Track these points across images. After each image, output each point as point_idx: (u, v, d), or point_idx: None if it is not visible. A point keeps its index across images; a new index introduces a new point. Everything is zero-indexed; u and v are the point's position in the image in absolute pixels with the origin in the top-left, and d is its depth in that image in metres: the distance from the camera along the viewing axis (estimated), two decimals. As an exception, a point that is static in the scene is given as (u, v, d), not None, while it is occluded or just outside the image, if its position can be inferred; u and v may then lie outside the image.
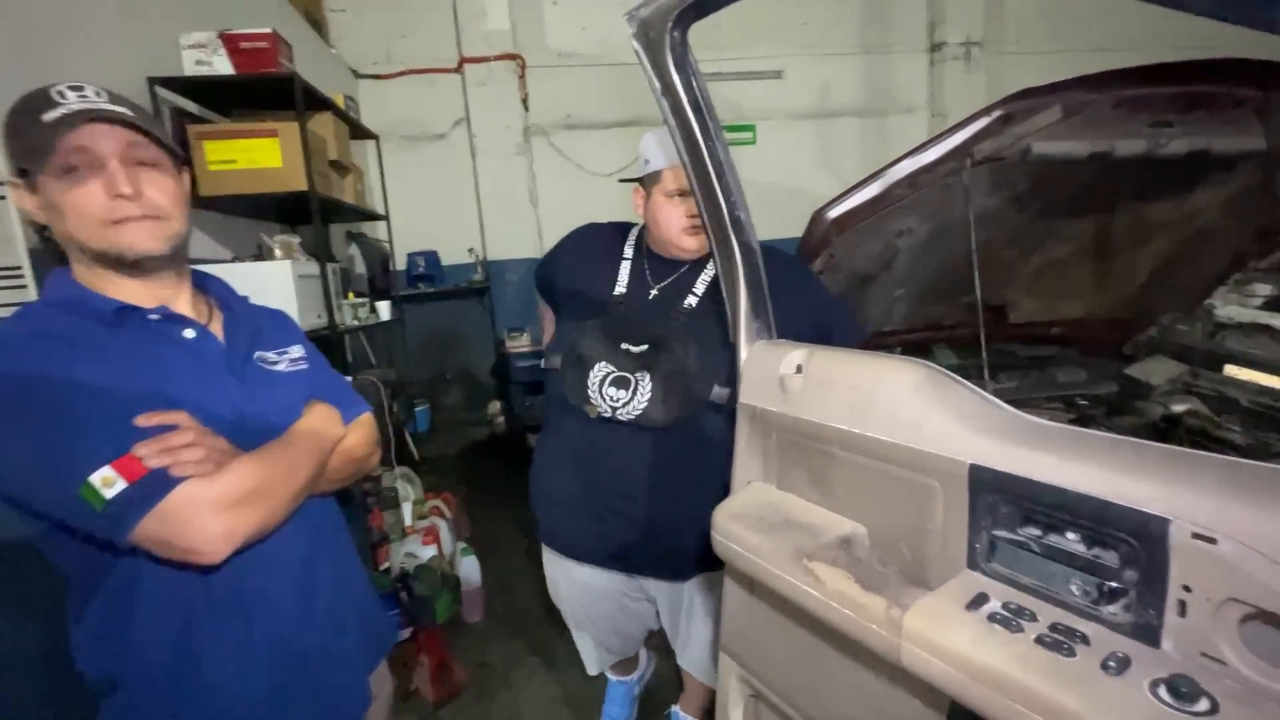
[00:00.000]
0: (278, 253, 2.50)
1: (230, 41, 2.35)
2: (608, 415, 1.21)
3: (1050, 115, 1.41)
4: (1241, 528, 0.47)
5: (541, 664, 2.17)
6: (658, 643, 1.65)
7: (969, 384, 0.72)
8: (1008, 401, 0.70)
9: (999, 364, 2.14)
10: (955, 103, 5.05)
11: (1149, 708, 0.48)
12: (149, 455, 0.68)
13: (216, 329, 0.87)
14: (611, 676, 1.74)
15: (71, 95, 0.73)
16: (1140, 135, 1.49)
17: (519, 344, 4.44)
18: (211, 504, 0.70)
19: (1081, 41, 5.01)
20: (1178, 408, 1.80)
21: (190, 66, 2.33)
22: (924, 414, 0.71)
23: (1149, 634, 0.53)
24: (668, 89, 0.92)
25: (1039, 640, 0.56)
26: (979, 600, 0.62)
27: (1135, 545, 0.53)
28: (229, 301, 0.93)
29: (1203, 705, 0.47)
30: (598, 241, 1.38)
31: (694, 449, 1.18)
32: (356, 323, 3.03)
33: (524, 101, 4.79)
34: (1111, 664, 0.51)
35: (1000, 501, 0.64)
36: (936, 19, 5.11)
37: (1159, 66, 1.46)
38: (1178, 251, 2.05)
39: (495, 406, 4.89)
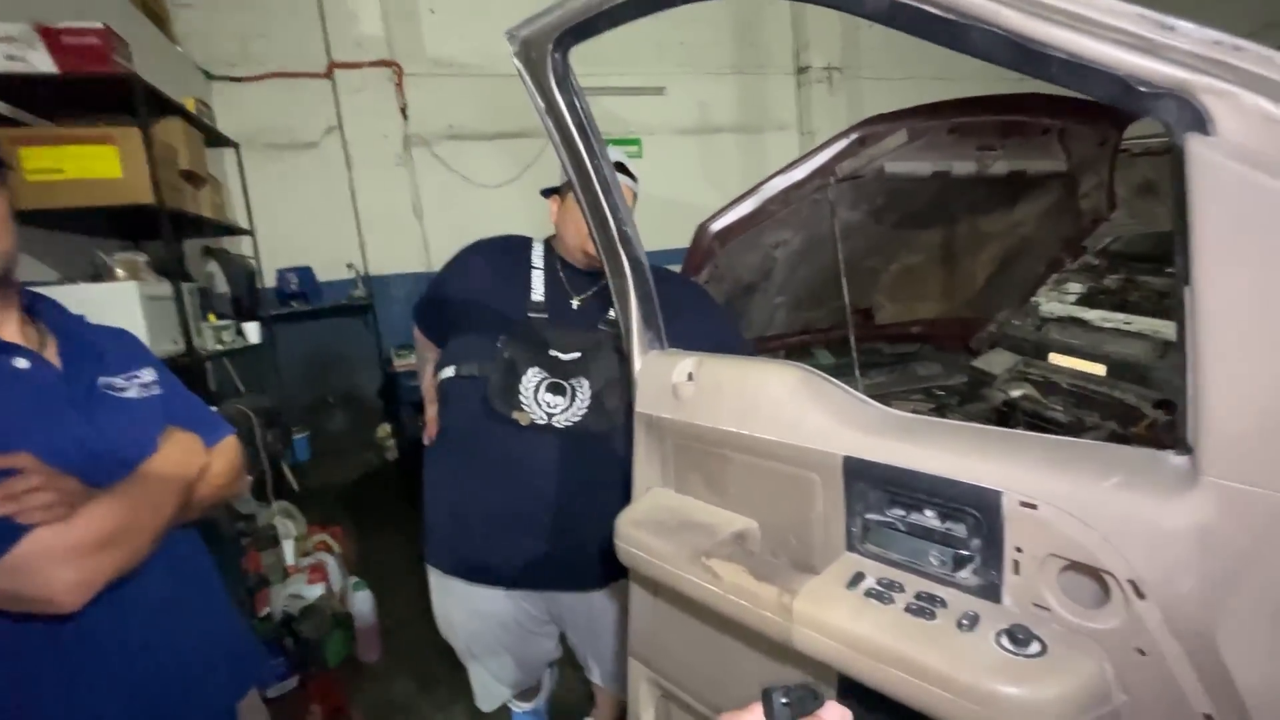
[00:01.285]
0: (120, 273, 2.23)
1: (50, 36, 2.07)
2: (542, 422, 1.17)
3: (898, 138, 1.59)
4: (1056, 494, 0.56)
5: (448, 698, 2.08)
6: (564, 657, 1.63)
7: (839, 383, 0.80)
8: (876, 396, 0.78)
9: (868, 362, 2.35)
10: (822, 122, 5.47)
11: (993, 655, 0.55)
12: None
13: (52, 356, 0.78)
14: (515, 708, 1.64)
15: None
16: (971, 157, 1.71)
17: (409, 362, 4.24)
18: (66, 551, 0.63)
19: (924, 70, 5.61)
20: (1014, 393, 2.06)
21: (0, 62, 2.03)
22: (802, 412, 0.77)
23: (992, 592, 0.61)
24: (551, 108, 0.94)
25: (906, 609, 0.62)
26: (857, 579, 0.68)
27: (977, 516, 0.61)
28: (62, 324, 0.83)
29: (1035, 648, 0.55)
30: (496, 254, 1.34)
31: (623, 457, 1.14)
32: (220, 347, 2.77)
33: (403, 110, 4.60)
34: (964, 622, 0.59)
35: (870, 488, 0.71)
36: (801, 45, 5.52)
37: (982, 99, 1.68)
38: (1008, 257, 2.36)
39: (385, 429, 4.63)
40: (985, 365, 2.25)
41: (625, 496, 1.05)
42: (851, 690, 0.72)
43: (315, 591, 2.38)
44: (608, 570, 1.21)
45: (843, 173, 1.60)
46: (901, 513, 0.70)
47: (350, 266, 4.59)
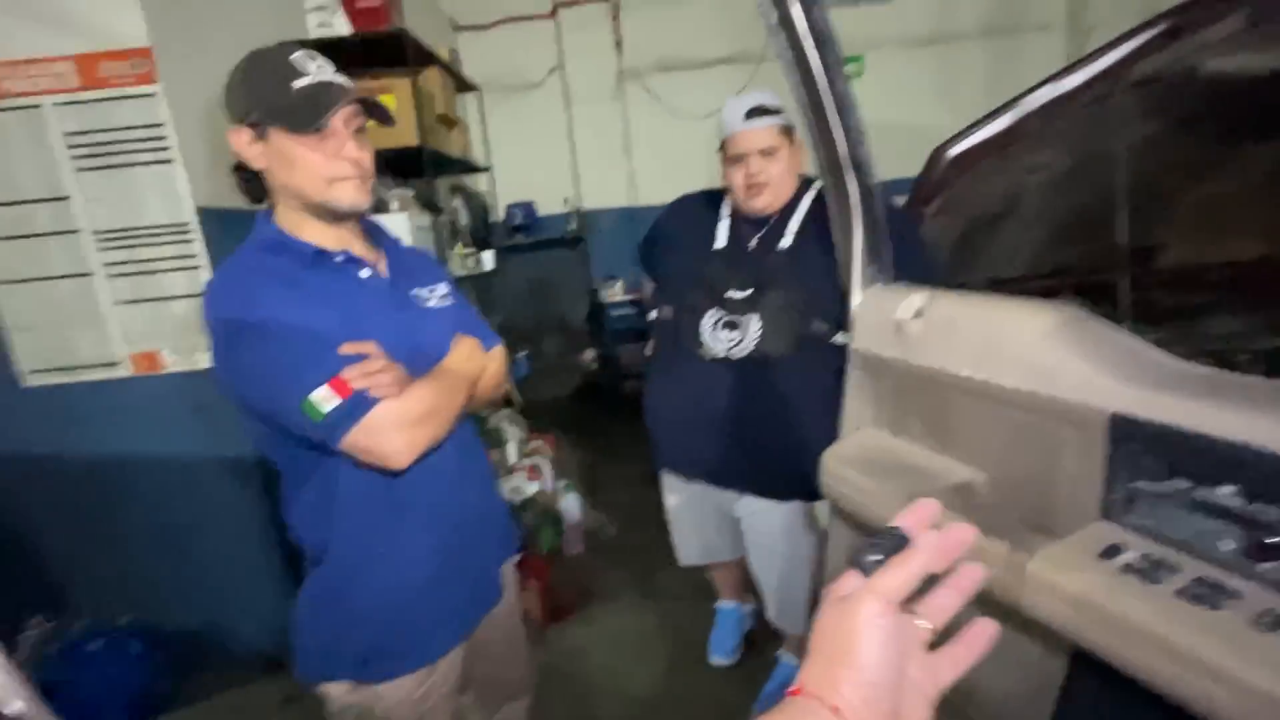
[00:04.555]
0: (395, 205, 2.66)
1: (348, 3, 2.46)
2: (721, 355, 1.37)
3: (1231, 24, 1.21)
4: None
5: (640, 595, 2.30)
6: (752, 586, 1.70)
7: (1115, 326, 0.68)
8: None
9: (1139, 313, 1.94)
10: (1102, 17, 4.42)
11: (1309, 666, 0.45)
12: (354, 378, 0.80)
13: (382, 269, 0.98)
14: (723, 604, 1.89)
15: (311, 65, 0.85)
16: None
17: (613, 293, 4.52)
18: (399, 421, 0.81)
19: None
20: (1362, 365, 1.57)
21: (314, 29, 2.47)
22: (1061, 360, 0.67)
23: (1314, 594, 0.50)
24: (784, 20, 0.89)
25: (1181, 593, 0.54)
26: (1113, 550, 0.60)
27: (1307, 501, 0.49)
28: (387, 244, 1.04)
29: (1376, 669, 0.44)
30: (693, 209, 1.54)
31: (796, 380, 1.32)
32: (464, 272, 3.19)
33: (618, 45, 4.70)
34: (1266, 620, 0.49)
35: (1144, 452, 0.60)
36: (1084, -83, 4.45)
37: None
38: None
39: (590, 354, 5.03)
40: (1319, 326, 1.73)
41: (798, 416, 1.27)
42: (1088, 664, 0.65)
43: (532, 488, 2.75)
44: (794, 483, 1.36)
45: (1140, 75, 1.28)
46: (1185, 485, 0.59)
47: (566, 201, 4.94)
